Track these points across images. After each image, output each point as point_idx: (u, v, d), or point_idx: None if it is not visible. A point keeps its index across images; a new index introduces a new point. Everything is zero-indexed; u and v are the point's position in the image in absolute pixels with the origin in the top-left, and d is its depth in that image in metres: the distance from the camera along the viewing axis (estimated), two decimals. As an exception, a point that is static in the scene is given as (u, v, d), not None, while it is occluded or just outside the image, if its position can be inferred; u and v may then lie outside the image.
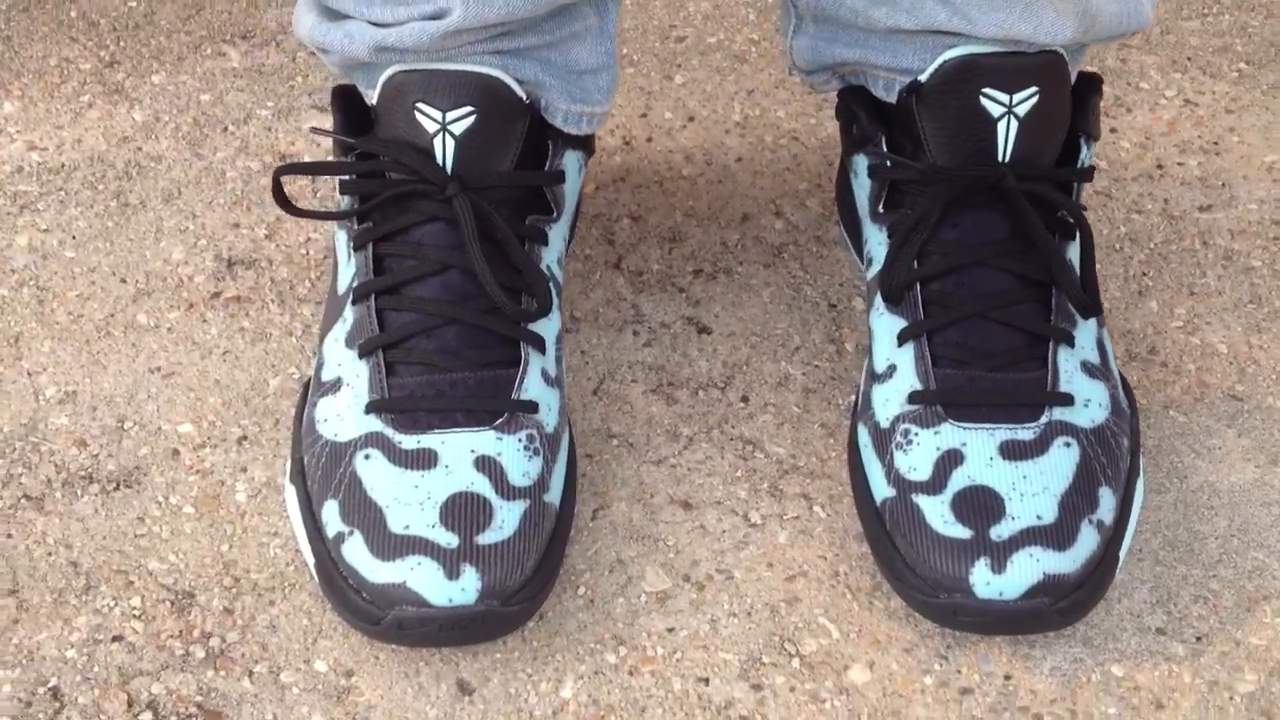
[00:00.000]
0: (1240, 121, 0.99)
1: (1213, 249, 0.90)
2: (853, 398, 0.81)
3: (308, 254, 0.89)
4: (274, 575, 0.73)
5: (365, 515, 0.68)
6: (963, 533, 0.68)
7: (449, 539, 0.67)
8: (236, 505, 0.76)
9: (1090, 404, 0.72)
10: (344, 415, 0.72)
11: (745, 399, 0.82)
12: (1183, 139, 0.97)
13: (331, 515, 0.69)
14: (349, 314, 0.74)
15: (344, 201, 0.77)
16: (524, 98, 0.73)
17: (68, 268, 0.88)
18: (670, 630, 0.71)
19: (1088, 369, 0.73)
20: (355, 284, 0.74)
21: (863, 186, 0.79)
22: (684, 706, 0.69)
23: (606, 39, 0.74)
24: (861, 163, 0.78)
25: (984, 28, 0.71)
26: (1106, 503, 0.70)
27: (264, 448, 0.79)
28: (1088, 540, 0.69)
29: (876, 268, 0.77)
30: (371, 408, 0.71)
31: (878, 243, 0.77)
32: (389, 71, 0.73)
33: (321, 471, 0.71)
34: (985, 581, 0.67)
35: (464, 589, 0.66)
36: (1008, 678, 0.70)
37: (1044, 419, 0.71)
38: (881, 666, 0.70)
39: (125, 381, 0.82)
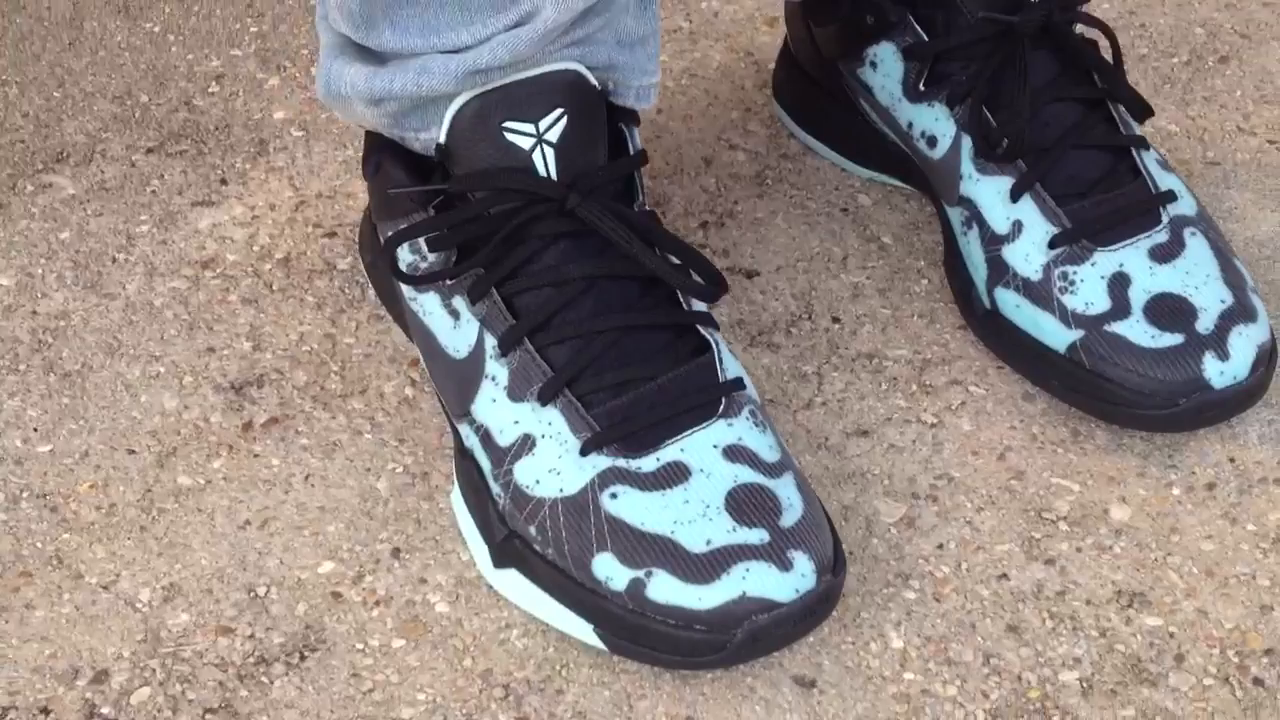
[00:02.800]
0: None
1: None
2: (926, 282, 0.82)
3: (312, 349, 0.79)
4: (540, 664, 0.66)
5: (655, 551, 0.63)
6: (1174, 339, 0.70)
7: (759, 535, 0.63)
8: (445, 617, 0.68)
9: (1182, 193, 0.76)
10: (559, 468, 0.65)
11: (836, 320, 0.80)
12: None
13: (611, 569, 0.63)
14: (497, 369, 0.67)
15: (433, 259, 0.69)
16: (597, 85, 0.68)
17: (55, 463, 0.74)
18: (940, 547, 0.70)
19: (1162, 164, 0.77)
20: (493, 337, 0.67)
21: (889, 74, 0.79)
22: (1004, 606, 0.68)
23: (650, 2, 0.70)
24: (887, 50, 0.78)
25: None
26: (1244, 270, 0.75)
27: (425, 551, 0.70)
28: (1259, 306, 0.73)
29: (946, 144, 0.77)
30: (589, 446, 0.65)
31: (934, 119, 0.77)
32: (461, 100, 0.66)
33: (566, 532, 0.64)
34: (1219, 372, 0.70)
35: (803, 574, 0.62)
36: (1232, 460, 0.73)
37: (1165, 219, 0.74)
38: (1132, 497, 0.72)
39: (221, 550, 0.70)
